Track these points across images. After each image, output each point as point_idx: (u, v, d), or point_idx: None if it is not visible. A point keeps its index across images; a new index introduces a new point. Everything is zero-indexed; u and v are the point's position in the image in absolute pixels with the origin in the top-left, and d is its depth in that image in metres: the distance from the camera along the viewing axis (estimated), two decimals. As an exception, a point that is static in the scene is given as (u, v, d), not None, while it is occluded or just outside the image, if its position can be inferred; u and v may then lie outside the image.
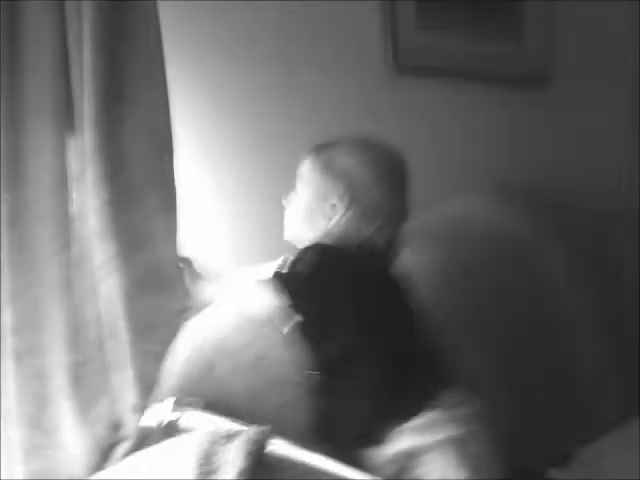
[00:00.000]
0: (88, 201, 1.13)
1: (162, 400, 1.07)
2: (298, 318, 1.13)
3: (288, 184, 1.28)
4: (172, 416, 1.05)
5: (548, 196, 1.84)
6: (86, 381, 1.12)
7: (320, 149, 1.23)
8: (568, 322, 1.57)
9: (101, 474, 1.06)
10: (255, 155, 1.47)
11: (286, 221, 1.24)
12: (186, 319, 1.20)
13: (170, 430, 1.04)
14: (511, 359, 1.40)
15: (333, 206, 1.18)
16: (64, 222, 1.11)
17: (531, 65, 1.99)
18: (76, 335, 1.11)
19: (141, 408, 1.11)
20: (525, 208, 1.70)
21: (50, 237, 1.10)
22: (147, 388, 1.12)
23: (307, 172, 1.23)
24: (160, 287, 1.16)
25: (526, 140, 1.99)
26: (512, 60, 1.94)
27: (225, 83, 1.42)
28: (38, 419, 1.09)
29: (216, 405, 1.06)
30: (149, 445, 1.03)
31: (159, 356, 1.15)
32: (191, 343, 1.16)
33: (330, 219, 1.19)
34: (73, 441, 1.12)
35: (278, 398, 1.12)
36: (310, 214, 1.20)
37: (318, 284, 1.12)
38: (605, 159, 2.16)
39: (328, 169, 1.20)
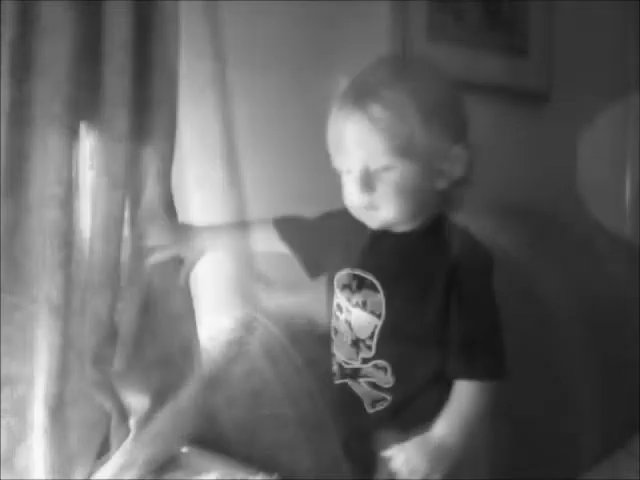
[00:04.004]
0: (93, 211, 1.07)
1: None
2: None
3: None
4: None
5: (544, 214, 1.85)
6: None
7: (359, 102, 1.00)
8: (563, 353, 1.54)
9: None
10: (261, 158, 1.42)
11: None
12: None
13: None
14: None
15: (386, 168, 0.97)
16: (68, 233, 1.03)
17: (533, 81, 2.07)
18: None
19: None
20: (521, 224, 1.67)
21: (52, 249, 1.01)
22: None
23: (357, 136, 1.00)
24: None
25: (524, 153, 2.03)
26: (515, 75, 2.00)
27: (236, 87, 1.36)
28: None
29: (205, 440, 1.01)
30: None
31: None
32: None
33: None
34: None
35: (274, 435, 1.06)
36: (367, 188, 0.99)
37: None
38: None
39: (375, 125, 0.97)
